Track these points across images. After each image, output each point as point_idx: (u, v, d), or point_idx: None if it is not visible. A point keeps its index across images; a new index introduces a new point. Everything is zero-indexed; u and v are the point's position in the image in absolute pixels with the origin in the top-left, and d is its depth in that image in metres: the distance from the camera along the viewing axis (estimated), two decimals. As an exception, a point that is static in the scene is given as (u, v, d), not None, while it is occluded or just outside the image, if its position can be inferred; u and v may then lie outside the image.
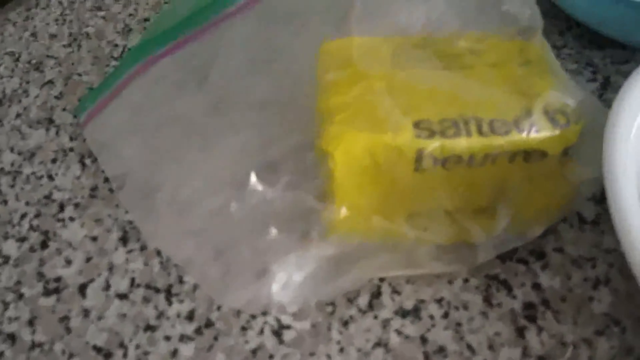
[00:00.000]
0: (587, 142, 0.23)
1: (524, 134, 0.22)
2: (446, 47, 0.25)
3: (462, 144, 0.22)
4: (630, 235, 0.18)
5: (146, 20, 0.39)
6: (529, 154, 0.23)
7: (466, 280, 0.26)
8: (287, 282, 0.23)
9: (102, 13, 0.40)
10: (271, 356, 0.24)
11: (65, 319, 0.25)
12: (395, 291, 0.25)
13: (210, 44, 0.30)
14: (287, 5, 0.29)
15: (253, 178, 0.23)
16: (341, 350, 0.24)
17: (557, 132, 0.22)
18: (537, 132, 0.22)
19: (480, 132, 0.22)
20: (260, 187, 0.23)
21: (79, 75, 0.36)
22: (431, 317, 0.24)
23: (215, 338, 0.24)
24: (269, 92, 0.26)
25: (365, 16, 0.27)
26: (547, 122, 0.22)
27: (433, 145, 0.22)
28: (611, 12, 0.31)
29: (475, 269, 0.26)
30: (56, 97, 0.35)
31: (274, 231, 0.23)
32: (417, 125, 0.22)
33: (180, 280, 0.26)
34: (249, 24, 0.29)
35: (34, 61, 0.37)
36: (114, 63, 0.36)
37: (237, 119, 0.26)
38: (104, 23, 0.39)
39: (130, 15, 0.40)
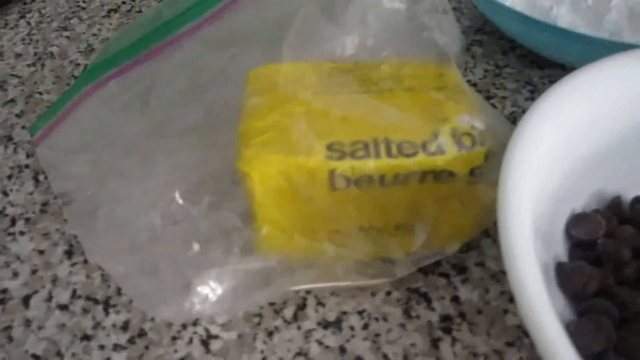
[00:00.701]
0: (496, 163, 0.24)
1: (430, 156, 0.23)
2: (370, 72, 0.27)
3: (370, 165, 0.23)
4: (517, 272, 0.19)
5: (109, 39, 0.41)
6: (438, 175, 0.24)
7: (389, 293, 0.27)
8: (208, 295, 0.24)
9: (67, 33, 0.42)
10: (198, 365, 0.25)
11: (8, 328, 0.27)
12: (320, 303, 0.27)
13: (156, 67, 0.31)
14: (230, 31, 0.31)
15: (177, 197, 0.25)
16: (264, 359, 0.25)
17: (462, 153, 0.24)
18: (443, 154, 0.23)
19: (389, 154, 0.23)
20: (185, 206, 0.25)
21: (40, 94, 0.38)
22: (352, 328, 0.26)
23: (147, 347, 0.26)
24: (201, 117, 0.27)
25: (298, 42, 0.28)
26: (453, 145, 0.24)
27: (343, 166, 0.23)
28: (540, 35, 0.33)
29: (398, 282, 0.27)
30: (17, 115, 0.36)
31: (196, 247, 0.24)
32: (329, 147, 0.23)
33: (119, 292, 0.27)
34: (192, 49, 0.31)
35: (-2, 80, 0.39)
36: (74, 82, 0.38)
37: (172, 141, 0.27)
38: (68, 43, 0.41)
39: (94, 35, 0.42)
